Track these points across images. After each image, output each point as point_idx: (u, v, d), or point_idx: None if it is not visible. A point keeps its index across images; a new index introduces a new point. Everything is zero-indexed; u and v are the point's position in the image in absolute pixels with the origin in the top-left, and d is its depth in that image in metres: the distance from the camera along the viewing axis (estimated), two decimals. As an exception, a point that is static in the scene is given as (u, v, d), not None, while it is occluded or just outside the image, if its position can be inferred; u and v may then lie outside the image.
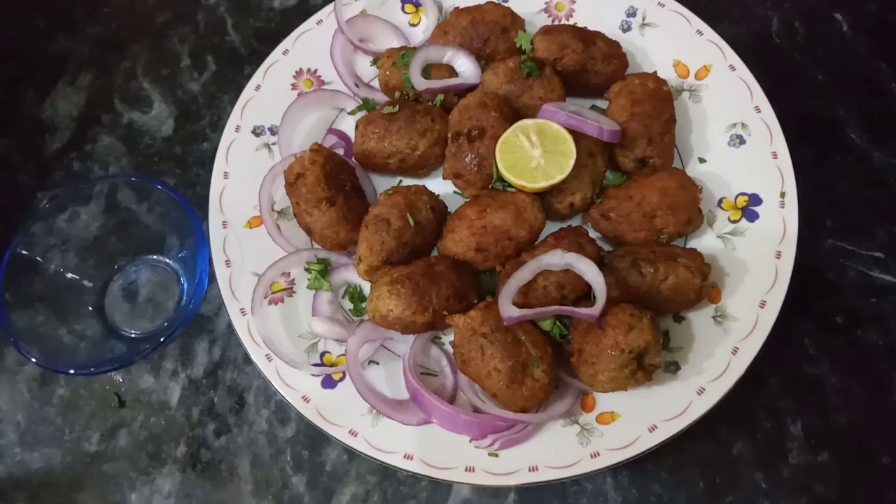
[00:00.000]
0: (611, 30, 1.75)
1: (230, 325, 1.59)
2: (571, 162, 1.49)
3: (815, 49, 1.92)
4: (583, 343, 1.38)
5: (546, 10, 1.84)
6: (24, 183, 1.85)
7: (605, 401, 1.43)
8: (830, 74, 1.88)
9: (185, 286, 1.65)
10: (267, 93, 1.74)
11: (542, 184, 1.50)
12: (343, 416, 1.43)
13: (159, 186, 1.57)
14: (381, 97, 1.76)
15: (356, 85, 1.78)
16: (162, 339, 1.47)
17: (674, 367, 1.45)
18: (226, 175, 1.65)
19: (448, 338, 1.55)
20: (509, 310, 1.39)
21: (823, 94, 1.86)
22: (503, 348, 1.37)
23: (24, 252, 1.54)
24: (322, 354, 1.52)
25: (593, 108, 1.69)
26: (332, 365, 1.50)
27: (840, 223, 1.71)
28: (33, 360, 1.45)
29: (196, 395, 1.60)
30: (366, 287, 1.60)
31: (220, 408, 1.58)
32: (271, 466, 1.53)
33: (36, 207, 1.79)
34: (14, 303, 1.50)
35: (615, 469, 1.45)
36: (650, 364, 1.36)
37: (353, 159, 1.68)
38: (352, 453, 1.51)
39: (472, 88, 1.65)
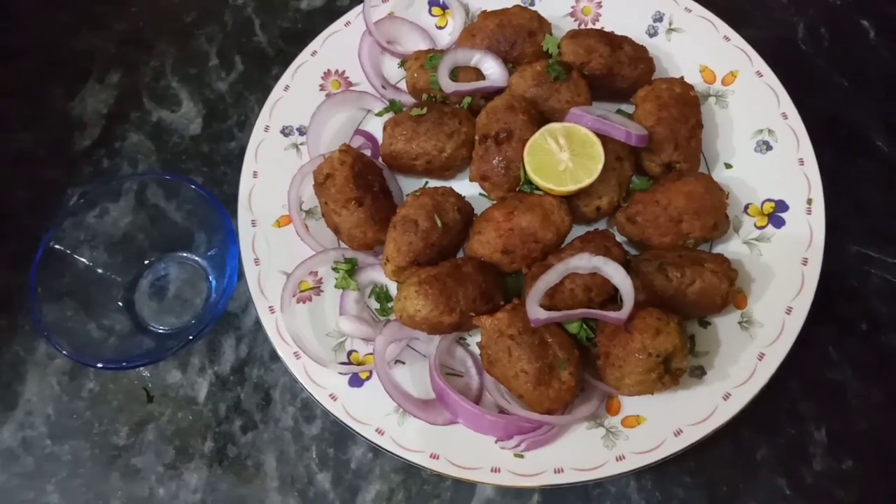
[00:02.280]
0: (637, 34, 1.75)
1: (257, 323, 1.61)
2: (599, 166, 1.50)
3: (840, 54, 1.92)
4: (609, 346, 1.39)
5: (572, 15, 1.85)
6: (51, 178, 1.86)
7: (631, 404, 1.44)
8: (855, 79, 1.88)
9: (214, 284, 1.66)
10: (295, 93, 1.76)
11: (570, 187, 1.51)
12: (370, 415, 1.45)
13: (191, 185, 1.58)
14: (407, 99, 1.77)
15: (383, 87, 1.79)
16: (191, 337, 1.49)
17: (699, 372, 1.45)
18: (255, 174, 1.67)
19: (473, 339, 1.56)
20: (537, 312, 1.40)
21: (847, 99, 1.86)
22: (530, 350, 1.38)
23: (57, 247, 1.55)
24: (349, 353, 1.54)
25: (619, 112, 1.70)
26: (359, 363, 1.52)
27: (863, 229, 1.70)
28: (64, 352, 1.47)
29: (223, 391, 1.62)
30: (392, 287, 1.62)
31: (247, 404, 1.60)
32: (297, 463, 1.54)
33: (65, 203, 1.81)
34: (45, 296, 1.52)
35: (639, 472, 1.45)
36: (677, 368, 1.37)
37: (381, 160, 1.69)
38: (376, 451, 1.53)
39: (499, 91, 1.66)
